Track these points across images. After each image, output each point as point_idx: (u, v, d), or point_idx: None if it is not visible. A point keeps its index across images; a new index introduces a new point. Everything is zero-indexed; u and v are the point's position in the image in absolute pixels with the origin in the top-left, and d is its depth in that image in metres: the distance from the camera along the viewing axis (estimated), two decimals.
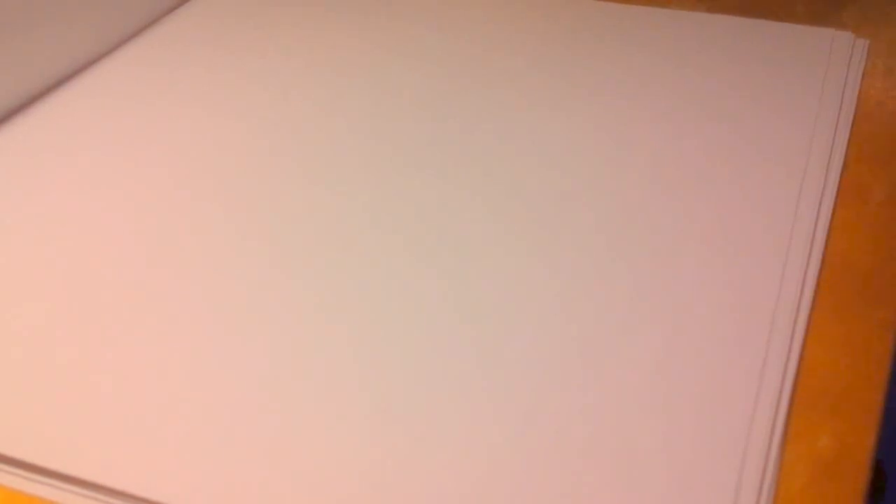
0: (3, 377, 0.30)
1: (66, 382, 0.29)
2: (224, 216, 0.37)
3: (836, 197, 0.37)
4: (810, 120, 0.41)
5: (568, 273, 0.33)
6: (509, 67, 0.46)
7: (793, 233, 0.34)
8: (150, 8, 0.44)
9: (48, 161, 0.40)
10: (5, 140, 0.41)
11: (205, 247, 0.35)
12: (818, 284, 0.32)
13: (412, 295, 0.32)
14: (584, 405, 0.27)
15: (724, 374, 0.29)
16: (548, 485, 0.25)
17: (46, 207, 0.38)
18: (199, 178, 0.39)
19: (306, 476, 0.26)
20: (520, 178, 0.38)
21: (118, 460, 0.27)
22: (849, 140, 0.40)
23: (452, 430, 0.27)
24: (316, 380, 0.29)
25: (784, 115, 0.42)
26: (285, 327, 0.31)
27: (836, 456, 0.27)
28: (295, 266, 0.34)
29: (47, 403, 0.29)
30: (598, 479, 0.25)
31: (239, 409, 0.28)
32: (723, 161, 0.39)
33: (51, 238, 0.36)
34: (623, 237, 0.35)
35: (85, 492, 0.26)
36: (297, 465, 0.26)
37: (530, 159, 0.40)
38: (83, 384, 0.29)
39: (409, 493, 0.25)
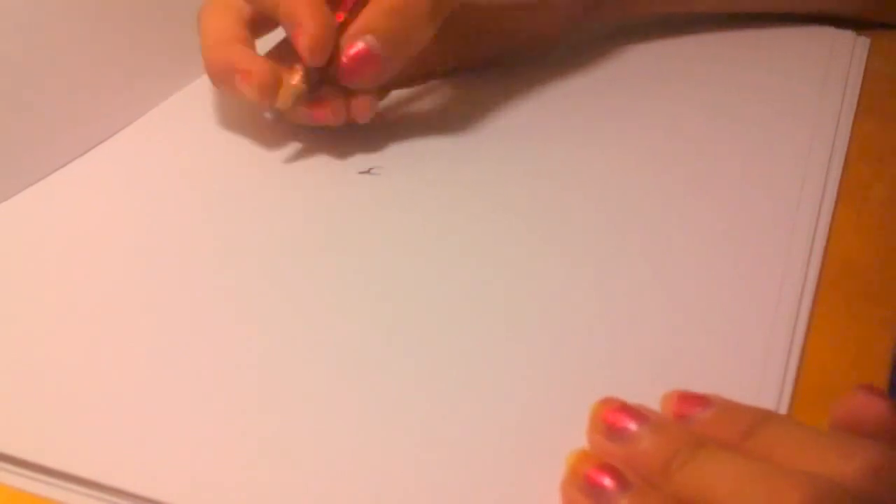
0: (2, 376, 0.30)
1: (66, 382, 0.29)
2: (224, 222, 0.37)
3: (837, 195, 0.37)
4: (811, 118, 0.41)
5: (569, 272, 0.33)
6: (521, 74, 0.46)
7: (794, 231, 0.34)
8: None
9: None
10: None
11: (204, 252, 0.35)
12: (819, 283, 0.32)
13: (410, 296, 0.33)
14: (586, 406, 0.27)
15: (727, 374, 0.29)
16: (552, 484, 0.25)
17: (42, 211, 0.38)
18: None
19: (306, 477, 0.26)
20: (521, 178, 0.38)
21: (120, 459, 0.27)
22: (850, 138, 0.40)
23: (453, 434, 0.27)
24: (317, 382, 0.29)
25: (785, 113, 0.42)
26: (286, 328, 0.31)
27: None
28: (295, 275, 0.34)
29: (47, 402, 0.29)
30: None
31: (241, 408, 0.28)
32: (724, 160, 0.39)
33: (54, 236, 0.36)
34: (623, 237, 0.35)
35: (88, 490, 0.26)
36: (298, 466, 0.26)
37: (530, 159, 0.40)
38: (84, 383, 0.29)
39: (409, 495, 0.26)
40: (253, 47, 0.41)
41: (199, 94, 0.45)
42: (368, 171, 0.39)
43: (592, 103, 0.43)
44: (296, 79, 0.38)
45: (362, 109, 0.39)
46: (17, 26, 0.41)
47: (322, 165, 0.40)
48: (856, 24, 0.48)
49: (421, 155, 0.40)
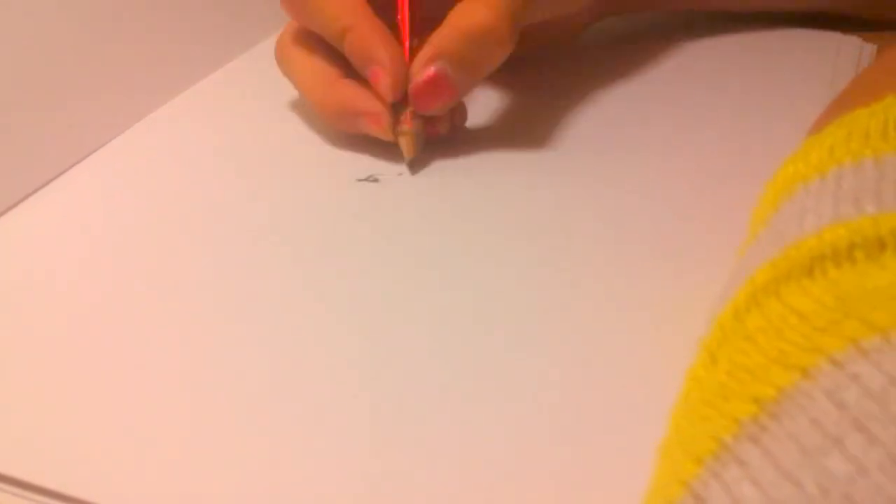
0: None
1: (55, 398, 0.29)
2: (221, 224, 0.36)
3: None
4: None
5: (569, 275, 0.32)
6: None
7: None
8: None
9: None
10: None
11: (199, 259, 0.35)
12: None
13: (408, 305, 0.32)
14: (589, 408, 0.26)
15: None
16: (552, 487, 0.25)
17: (40, 221, 0.37)
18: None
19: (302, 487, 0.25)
20: (527, 187, 0.38)
21: (110, 476, 0.26)
22: None
23: (452, 444, 0.27)
24: (319, 392, 0.28)
25: (790, 120, 0.41)
26: (284, 337, 0.31)
27: None
28: (293, 282, 0.33)
29: (36, 420, 0.28)
30: (603, 481, 0.25)
31: (234, 425, 0.27)
32: (727, 166, 0.38)
33: (52, 248, 0.36)
34: (622, 239, 0.34)
35: None
36: (306, 480, 0.26)
37: (537, 168, 0.39)
38: (73, 399, 0.28)
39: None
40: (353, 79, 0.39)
41: (195, 99, 0.44)
42: (368, 179, 0.38)
43: (587, 106, 0.43)
44: (409, 124, 0.38)
45: (461, 114, 0.40)
46: (13, 32, 0.41)
47: (321, 172, 0.39)
48: (855, 23, 0.47)
49: (423, 163, 0.39)
